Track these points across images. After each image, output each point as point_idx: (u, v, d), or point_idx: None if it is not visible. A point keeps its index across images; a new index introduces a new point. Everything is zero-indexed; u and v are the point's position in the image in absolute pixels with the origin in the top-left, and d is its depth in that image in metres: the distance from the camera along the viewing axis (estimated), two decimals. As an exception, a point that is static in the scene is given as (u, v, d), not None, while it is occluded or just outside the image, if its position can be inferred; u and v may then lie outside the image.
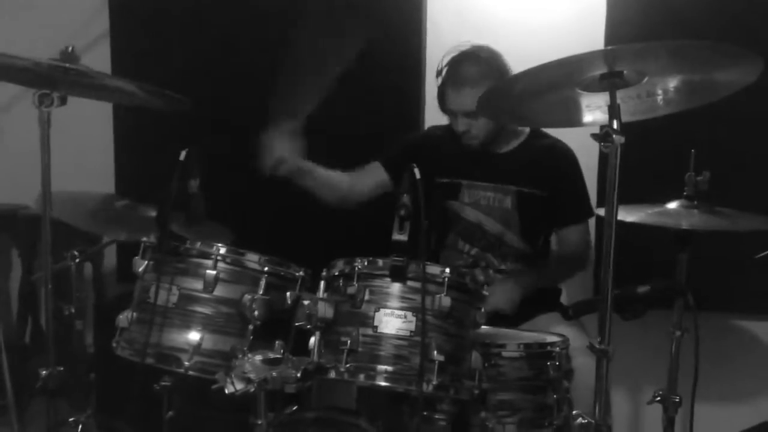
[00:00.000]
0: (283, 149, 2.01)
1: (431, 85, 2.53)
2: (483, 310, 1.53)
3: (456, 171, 2.17)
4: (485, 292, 1.53)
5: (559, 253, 2.21)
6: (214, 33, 2.74)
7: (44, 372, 1.70)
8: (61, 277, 2.04)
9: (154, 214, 2.01)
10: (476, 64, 2.02)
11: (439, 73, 2.09)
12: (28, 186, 2.92)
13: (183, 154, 1.58)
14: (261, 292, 1.55)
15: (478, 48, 2.06)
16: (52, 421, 1.89)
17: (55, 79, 1.67)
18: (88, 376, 2.11)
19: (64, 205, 2.02)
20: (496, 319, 1.73)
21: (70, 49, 1.69)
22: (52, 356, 1.73)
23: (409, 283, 1.44)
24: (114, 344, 1.59)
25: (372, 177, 2.22)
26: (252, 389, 1.34)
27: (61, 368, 1.73)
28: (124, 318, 1.58)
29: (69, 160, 2.35)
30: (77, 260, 2.06)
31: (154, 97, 1.86)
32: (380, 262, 1.46)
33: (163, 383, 1.91)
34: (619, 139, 1.37)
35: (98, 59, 2.74)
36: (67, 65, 1.63)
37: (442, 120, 2.22)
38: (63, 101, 1.69)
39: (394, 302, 1.44)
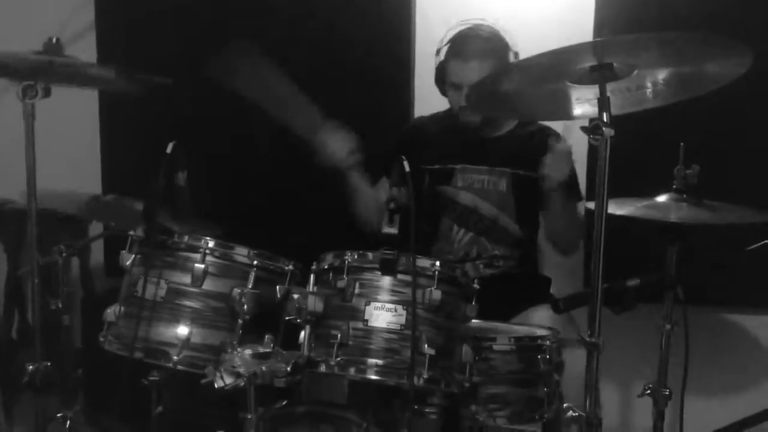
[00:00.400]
0: (343, 141, 2.06)
1: (420, 80, 2.55)
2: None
3: (448, 156, 2.16)
4: (476, 285, 1.52)
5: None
6: (202, 23, 2.72)
7: (31, 367, 1.68)
8: (48, 272, 2.03)
9: (141, 207, 2.01)
10: (484, 40, 2.04)
11: (438, 51, 2.09)
12: (13, 180, 2.90)
13: (170, 147, 1.56)
14: (250, 286, 1.54)
15: (485, 24, 2.07)
16: (39, 416, 1.87)
17: (39, 71, 1.64)
18: (76, 372, 2.10)
19: (50, 198, 2.00)
20: (487, 312, 1.73)
21: (54, 39, 1.67)
22: (39, 351, 1.71)
23: (400, 276, 1.44)
24: (101, 339, 1.58)
25: (385, 193, 2.21)
26: (241, 383, 1.33)
27: (48, 363, 1.71)
28: (111, 312, 1.57)
29: (55, 154, 2.33)
30: (64, 254, 2.03)
31: (135, 82, 1.84)
32: (370, 255, 1.46)
33: (152, 378, 1.89)
34: (608, 131, 1.36)
35: (84, 50, 2.73)
36: (50, 58, 1.61)
37: (433, 111, 2.21)
38: (47, 93, 1.67)
39: (385, 296, 1.43)
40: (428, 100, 2.20)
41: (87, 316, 2.64)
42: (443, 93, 2.12)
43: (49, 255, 2.08)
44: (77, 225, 2.70)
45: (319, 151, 2.05)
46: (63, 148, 2.75)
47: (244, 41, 1.89)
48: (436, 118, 2.25)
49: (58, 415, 1.89)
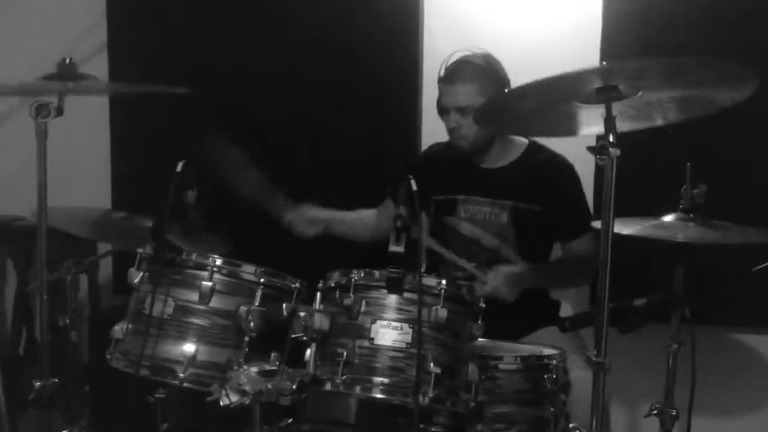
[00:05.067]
0: (307, 219, 2.19)
1: (428, 98, 2.56)
2: (481, 291, 1.58)
3: (452, 187, 2.18)
4: (482, 304, 1.53)
5: (566, 257, 2.20)
6: (214, 39, 2.75)
7: (38, 383, 1.68)
8: (56, 288, 2.04)
9: (149, 225, 2.02)
10: (471, 64, 2.06)
11: (440, 78, 2.12)
12: (24, 197, 2.93)
13: (180, 166, 1.58)
14: (257, 304, 1.55)
15: (477, 51, 2.10)
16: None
17: (53, 92, 1.67)
18: (82, 388, 2.10)
19: (61, 216, 2.02)
20: (494, 332, 1.73)
21: (67, 60, 1.70)
22: (46, 367, 1.71)
23: (406, 294, 1.44)
24: (108, 356, 1.59)
25: (389, 213, 2.24)
26: (247, 401, 1.33)
27: (55, 380, 1.71)
28: (119, 329, 1.58)
29: (66, 172, 2.36)
30: (73, 271, 2.05)
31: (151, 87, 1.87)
32: (376, 273, 1.46)
33: (158, 395, 1.90)
34: (614, 151, 1.37)
35: (97, 69, 2.76)
36: (65, 82, 1.63)
37: (439, 131, 2.23)
38: (60, 112, 1.69)
39: (391, 314, 1.44)
40: (436, 122, 2.21)
41: (94, 333, 2.64)
42: (441, 117, 2.15)
43: (58, 272, 2.10)
44: (86, 242, 2.72)
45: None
46: (74, 167, 2.78)
47: (214, 130, 1.99)
48: (444, 147, 2.27)
49: (64, 431, 1.89)
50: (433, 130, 2.44)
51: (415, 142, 2.61)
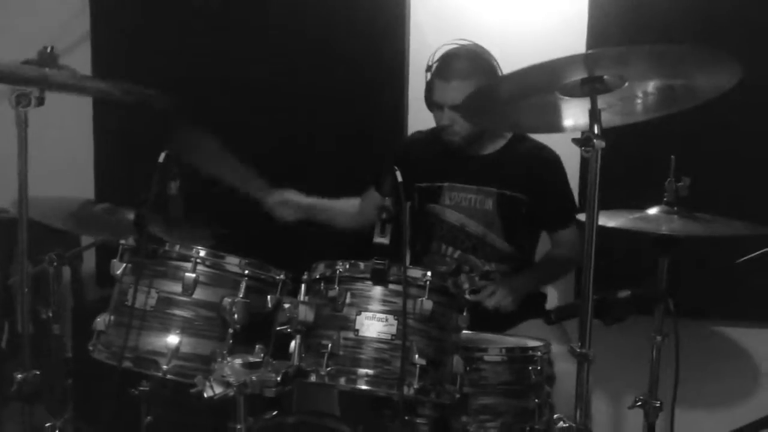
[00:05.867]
0: (285, 203, 2.21)
1: (414, 90, 2.56)
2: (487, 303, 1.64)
3: (436, 174, 2.17)
4: (468, 297, 1.53)
5: (553, 254, 2.21)
6: (198, 33, 2.73)
7: (20, 376, 1.66)
8: (38, 281, 2.02)
9: (132, 216, 2.00)
10: (466, 60, 2.04)
11: (429, 68, 2.10)
12: (5, 189, 2.89)
13: (162, 156, 1.56)
14: (241, 296, 1.54)
15: (470, 45, 2.08)
16: (27, 426, 1.86)
17: (33, 80, 1.64)
18: (65, 381, 2.08)
19: (42, 208, 1.99)
20: (480, 323, 1.73)
21: (49, 49, 1.67)
22: (28, 360, 1.69)
23: (391, 286, 1.44)
24: (91, 347, 1.57)
25: (372, 203, 2.24)
26: (231, 393, 1.32)
27: (37, 372, 1.69)
28: (101, 321, 1.56)
29: (48, 163, 2.33)
30: (55, 263, 2.03)
31: (129, 95, 1.85)
32: (361, 265, 1.46)
33: (141, 388, 1.89)
34: (599, 143, 1.37)
35: (79, 60, 2.73)
36: (44, 70, 1.61)
37: (426, 123, 2.22)
38: (41, 102, 1.66)
39: (376, 305, 1.43)
40: (422, 113, 2.20)
41: (77, 326, 2.62)
42: (430, 110, 2.13)
43: (40, 264, 2.08)
44: (68, 234, 2.69)
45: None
46: (55, 156, 2.74)
47: (187, 125, 1.98)
48: (427, 134, 2.26)
49: (47, 425, 1.87)
50: (418, 122, 2.44)
51: (402, 132, 2.60)
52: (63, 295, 2.31)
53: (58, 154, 2.81)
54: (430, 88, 2.09)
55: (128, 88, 1.81)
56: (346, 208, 2.32)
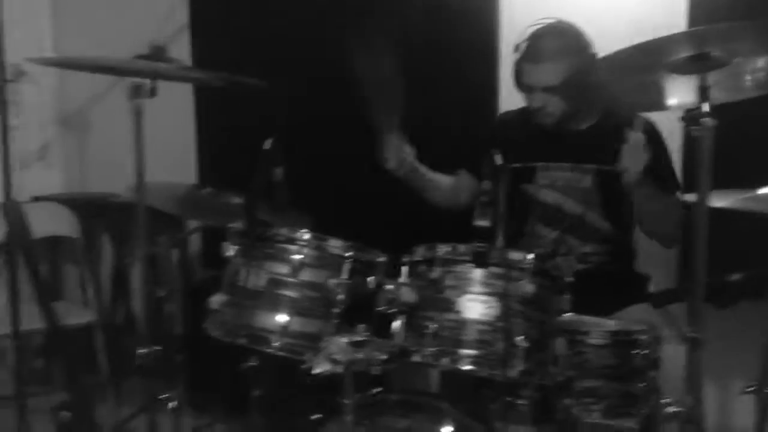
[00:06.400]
0: (403, 151, 2.07)
1: (507, 69, 2.52)
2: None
3: (529, 154, 2.14)
4: (570, 279, 1.52)
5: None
6: (294, 20, 2.79)
7: (142, 351, 1.79)
8: (151, 262, 2.15)
9: (237, 201, 2.10)
10: (557, 39, 1.99)
11: (517, 48, 2.06)
12: (117, 175, 3.08)
13: (267, 143, 1.63)
14: (345, 277, 1.59)
15: (559, 23, 2.03)
16: (146, 397, 2.00)
17: (145, 73, 1.75)
18: (177, 356, 2.22)
19: (151, 193, 2.12)
20: (584, 308, 1.71)
21: (158, 43, 1.77)
22: (148, 336, 1.82)
23: (492, 268, 1.44)
24: (206, 325, 1.66)
25: (464, 184, 2.23)
26: (339, 370, 1.38)
27: (158, 348, 1.81)
28: (215, 300, 1.65)
29: (153, 151, 2.46)
30: (168, 246, 2.16)
31: (233, 85, 1.93)
32: (462, 247, 1.47)
33: (250, 363, 1.98)
34: (709, 122, 1.32)
35: (179, 50, 2.86)
36: (158, 63, 1.71)
37: (517, 104, 2.20)
38: (153, 93, 1.77)
39: (477, 287, 1.45)
40: (515, 94, 2.18)
41: (187, 305, 2.77)
42: (521, 91, 2.09)
43: (154, 246, 2.21)
44: (173, 217, 2.85)
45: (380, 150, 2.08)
46: (160, 143, 2.90)
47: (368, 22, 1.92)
48: (517, 114, 2.22)
49: (162, 396, 2.00)
50: (511, 103, 2.41)
51: (493, 114, 2.58)
52: (173, 276, 2.46)
53: (162, 141, 2.97)
54: (519, 70, 2.05)
55: (232, 78, 1.89)
56: (443, 183, 2.27)
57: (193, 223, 2.83)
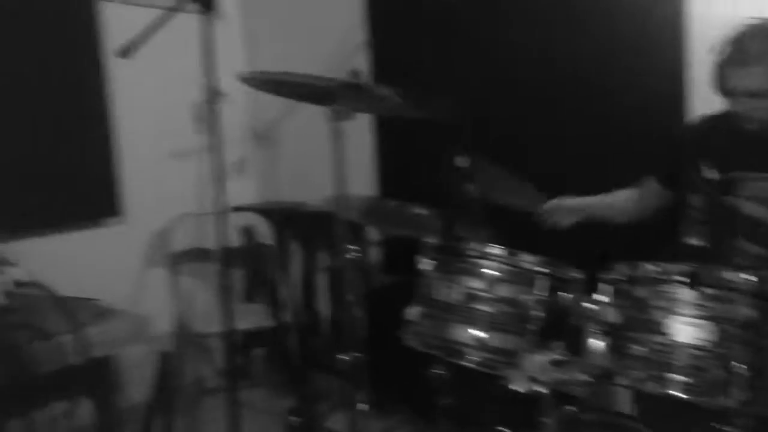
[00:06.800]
0: (556, 216, 2.16)
1: (698, 70, 2.36)
2: None
3: (731, 163, 1.98)
4: None
5: None
6: (471, 38, 2.80)
7: (343, 357, 1.90)
8: (340, 269, 2.27)
9: (422, 212, 2.17)
10: (764, 40, 1.83)
11: (717, 49, 1.92)
12: (306, 186, 3.29)
13: (462, 160, 1.66)
14: (540, 293, 1.58)
15: (762, 20, 1.87)
16: (337, 395, 2.12)
17: (344, 97, 1.85)
18: (361, 359, 2.33)
19: (340, 203, 2.25)
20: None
21: (355, 69, 1.87)
22: (353, 343, 1.92)
23: (705, 289, 1.37)
24: (402, 335, 1.73)
25: (650, 193, 2.14)
26: (541, 390, 1.38)
27: (361, 354, 1.91)
28: (412, 312, 1.71)
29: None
30: (356, 254, 2.28)
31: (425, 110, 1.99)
32: (672, 267, 1.41)
33: (436, 371, 2.04)
34: None
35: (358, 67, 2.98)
36: (358, 84, 1.81)
37: (710, 107, 2.05)
38: (351, 115, 1.87)
39: (688, 309, 1.38)
40: (705, 97, 2.03)
41: (369, 310, 2.90)
42: (721, 95, 1.95)
43: (342, 254, 2.34)
44: (355, 226, 2.99)
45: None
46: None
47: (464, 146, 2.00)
48: (713, 119, 2.07)
49: (346, 397, 2.11)
50: (702, 106, 2.25)
51: (681, 119, 2.42)
52: (358, 282, 2.58)
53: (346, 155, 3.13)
54: (720, 73, 1.91)
55: (424, 102, 1.94)
56: (621, 202, 2.21)
57: (375, 233, 2.95)
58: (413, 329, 1.71)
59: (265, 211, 3.21)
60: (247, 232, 3.31)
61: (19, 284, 1.08)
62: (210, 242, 3.03)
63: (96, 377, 1.52)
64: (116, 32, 2.81)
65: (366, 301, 2.97)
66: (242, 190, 3.30)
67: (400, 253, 2.91)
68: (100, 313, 1.52)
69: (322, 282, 3.19)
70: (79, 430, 1.59)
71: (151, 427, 2.41)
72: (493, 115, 2.62)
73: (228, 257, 2.33)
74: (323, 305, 3.22)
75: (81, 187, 2.80)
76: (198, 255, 3.16)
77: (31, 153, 2.59)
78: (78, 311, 1.17)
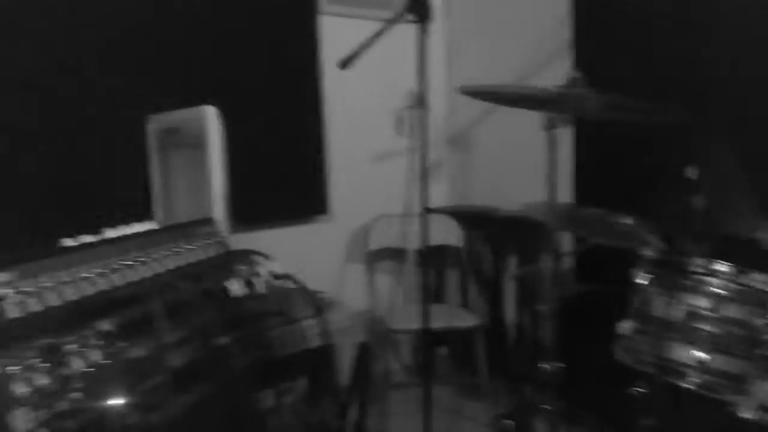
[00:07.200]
0: None
1: None
2: None
3: None
4: None
5: None
6: (678, 34, 2.65)
7: (546, 366, 1.90)
8: (534, 275, 2.26)
9: (626, 222, 2.09)
10: None
11: None
12: (500, 191, 3.31)
13: (691, 171, 1.59)
14: (773, 316, 1.47)
15: None
16: (527, 403, 2.11)
17: (559, 104, 1.84)
18: (551, 367, 2.30)
19: (539, 209, 2.24)
20: None
21: (574, 76, 1.85)
22: (552, 353, 1.91)
23: None
24: (614, 349, 1.69)
25: None
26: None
27: (562, 365, 1.90)
28: (625, 326, 1.67)
29: (529, 169, 2.56)
30: (550, 262, 2.25)
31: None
32: None
33: (637, 389, 1.96)
34: None
35: (558, 69, 2.93)
36: (574, 91, 1.79)
37: None
38: (566, 123, 1.86)
39: None
40: None
41: (560, 317, 2.85)
42: None
43: (536, 262, 2.33)
44: (552, 234, 2.95)
45: None
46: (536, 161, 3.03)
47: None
48: None
49: (539, 404, 2.09)
50: None
51: None
52: (552, 289, 2.55)
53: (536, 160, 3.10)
54: None
55: (651, 108, 1.87)
56: None
57: (569, 241, 2.90)
58: (625, 344, 1.67)
59: (458, 214, 3.27)
60: (440, 234, 3.40)
61: (275, 276, 1.22)
62: (404, 242, 3.18)
63: (320, 362, 1.65)
64: (330, 43, 3.03)
65: (559, 308, 2.95)
66: (435, 193, 3.40)
67: (595, 262, 2.83)
68: (327, 304, 1.65)
69: (510, 287, 3.19)
70: (298, 409, 1.73)
71: (348, 412, 2.56)
72: (714, 121, 2.45)
73: (422, 258, 2.40)
74: (510, 310, 3.22)
75: (298, 187, 3.04)
76: (393, 254, 3.31)
77: (260, 154, 2.85)
78: (316, 301, 1.29)
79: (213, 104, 1.91)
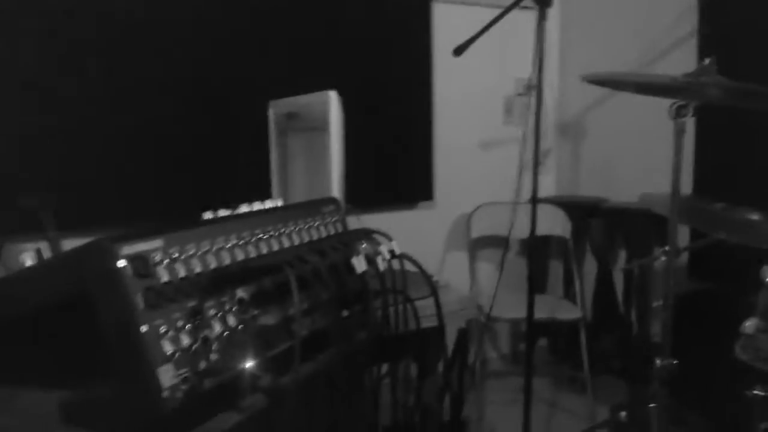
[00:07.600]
0: None
1: None
2: None
3: None
4: None
5: None
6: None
7: (660, 362, 1.85)
8: (645, 270, 2.20)
9: (754, 217, 1.99)
10: None
11: None
12: (607, 180, 3.22)
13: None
14: None
15: None
16: (641, 398, 2.05)
17: (689, 92, 1.76)
18: (665, 363, 2.22)
19: (657, 201, 2.16)
20: None
21: (707, 62, 1.77)
22: (667, 348, 1.86)
23: None
24: (738, 348, 1.63)
25: None
26: None
27: (675, 361, 1.85)
28: (749, 325, 1.61)
29: (649, 158, 2.47)
30: (665, 257, 2.18)
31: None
32: None
33: (756, 392, 1.87)
34: None
35: (683, 58, 2.81)
36: (706, 78, 1.71)
37: None
38: (695, 112, 1.78)
39: None
40: None
41: (673, 314, 2.75)
42: None
43: (648, 256, 2.25)
44: (665, 226, 2.84)
45: None
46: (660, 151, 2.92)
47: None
48: None
49: (650, 405, 2.02)
50: None
51: None
52: (666, 285, 2.47)
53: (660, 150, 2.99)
54: None
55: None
56: None
57: (684, 235, 2.79)
58: (749, 343, 1.60)
59: (566, 204, 3.21)
60: (546, 224, 3.35)
61: (393, 255, 1.25)
62: (508, 231, 3.16)
63: (431, 343, 1.67)
64: (442, 30, 3.03)
65: (672, 305, 2.84)
66: (542, 182, 3.35)
67: (710, 258, 2.71)
68: (440, 286, 1.67)
69: (618, 280, 3.10)
70: (407, 387, 1.77)
71: (444, 397, 2.59)
72: None
73: (528, 247, 2.39)
74: (618, 304, 3.14)
75: (405, 173, 3.09)
76: (495, 242, 3.30)
77: (370, 139, 2.89)
78: (431, 282, 1.31)
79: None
